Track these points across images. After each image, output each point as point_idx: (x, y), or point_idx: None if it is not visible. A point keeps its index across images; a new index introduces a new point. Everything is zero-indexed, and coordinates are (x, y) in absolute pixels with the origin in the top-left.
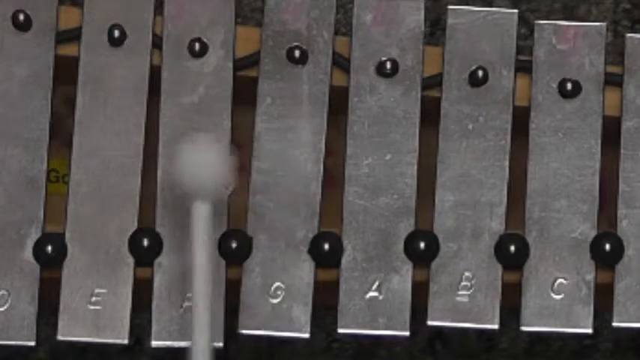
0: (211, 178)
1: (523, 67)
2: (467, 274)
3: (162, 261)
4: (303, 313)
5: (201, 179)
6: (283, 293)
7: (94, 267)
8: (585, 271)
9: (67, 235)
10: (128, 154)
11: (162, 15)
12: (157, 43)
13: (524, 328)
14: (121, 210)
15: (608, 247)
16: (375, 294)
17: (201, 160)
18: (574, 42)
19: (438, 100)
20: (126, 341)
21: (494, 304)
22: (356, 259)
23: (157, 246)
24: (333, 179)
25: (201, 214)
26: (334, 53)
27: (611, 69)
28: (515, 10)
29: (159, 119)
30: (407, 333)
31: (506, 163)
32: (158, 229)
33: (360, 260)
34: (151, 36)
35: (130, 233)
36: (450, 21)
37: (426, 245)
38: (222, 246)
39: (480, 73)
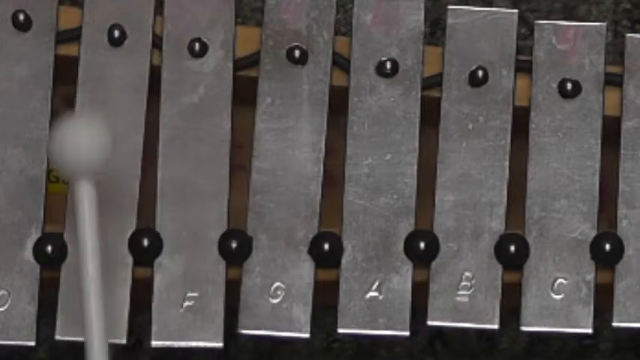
0: (88, 156)
1: (523, 67)
2: (467, 274)
3: (163, 261)
4: (303, 313)
5: (79, 157)
6: (283, 293)
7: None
8: (585, 271)
9: (67, 235)
10: (128, 154)
11: (162, 15)
12: (157, 43)
13: (524, 328)
14: (120, 210)
15: (608, 247)
16: (375, 294)
17: (78, 139)
18: (574, 42)
19: (438, 100)
20: (124, 341)
21: (494, 304)
22: (356, 259)
23: (157, 246)
24: (333, 179)
25: (83, 193)
26: (334, 53)
27: (611, 69)
28: (515, 10)
29: (159, 119)
30: (407, 333)
31: (506, 163)
32: (158, 229)
33: (360, 260)
34: (151, 36)
35: (130, 233)
36: (450, 21)
37: (426, 245)
38: (222, 246)
39: (480, 73)
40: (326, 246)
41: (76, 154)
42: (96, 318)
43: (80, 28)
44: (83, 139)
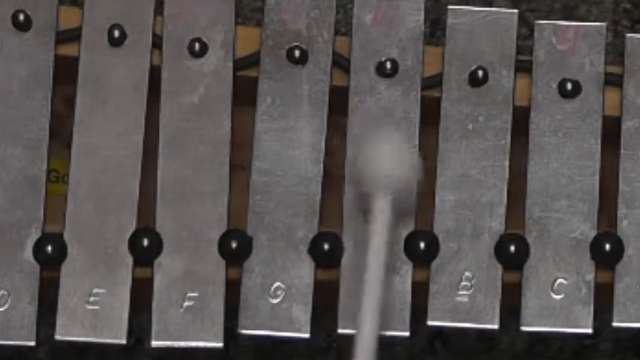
0: (394, 172)
1: (523, 67)
2: (467, 274)
3: (163, 261)
4: (303, 313)
5: (385, 173)
6: (283, 293)
7: (93, 267)
8: (585, 271)
9: (67, 235)
10: (128, 154)
11: (162, 15)
12: (157, 43)
13: (524, 328)
14: (120, 210)
15: (608, 247)
16: None
17: (386, 155)
18: (574, 42)
19: (438, 100)
20: (124, 341)
21: (494, 304)
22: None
23: (157, 246)
24: (333, 179)
25: (382, 209)
26: (334, 53)
27: (611, 69)
28: (515, 10)
29: (159, 119)
30: (407, 333)
31: (506, 163)
32: (158, 229)
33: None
34: (151, 36)
35: (130, 233)
36: (450, 21)
37: (426, 245)
38: (222, 246)
39: (480, 73)
40: (326, 246)
41: (381, 167)
42: (372, 321)
43: (80, 28)
44: (392, 153)
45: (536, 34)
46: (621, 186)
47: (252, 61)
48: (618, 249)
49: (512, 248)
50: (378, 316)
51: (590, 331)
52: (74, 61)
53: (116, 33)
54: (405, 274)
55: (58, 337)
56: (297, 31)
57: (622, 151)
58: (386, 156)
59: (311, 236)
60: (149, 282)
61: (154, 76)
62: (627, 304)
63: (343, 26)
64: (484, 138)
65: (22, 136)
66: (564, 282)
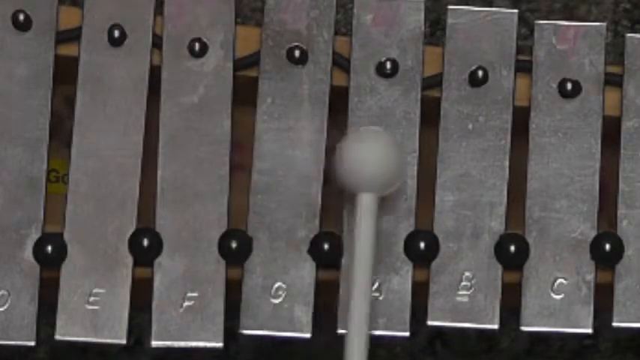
0: (378, 170)
1: (523, 67)
2: (467, 274)
3: (162, 261)
4: (304, 313)
5: (369, 171)
6: (284, 293)
7: (93, 267)
8: (585, 271)
9: (67, 235)
10: (128, 154)
11: (162, 15)
12: (157, 43)
13: (524, 328)
14: (120, 210)
15: (608, 247)
16: (375, 294)
17: (369, 153)
18: (574, 42)
19: (438, 100)
20: (124, 341)
21: (494, 304)
22: None
23: (157, 246)
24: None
25: (367, 206)
26: (334, 53)
27: (611, 69)
28: (515, 10)
29: (159, 119)
30: (407, 333)
31: (506, 163)
32: (158, 229)
33: None
34: (151, 36)
35: (130, 233)
36: (450, 21)
37: (426, 245)
38: (222, 246)
39: (480, 73)
40: (326, 246)
41: (362, 166)
42: (361, 325)
43: (80, 28)
44: (371, 152)
45: (536, 34)
46: (621, 186)
47: (252, 61)
48: (618, 249)
49: (512, 248)
50: (367, 316)
51: (590, 331)
52: (74, 61)
53: (116, 33)
54: (405, 274)
55: (58, 337)
56: (297, 31)
57: (622, 151)
58: (371, 155)
59: (311, 236)
60: (149, 282)
61: (154, 76)
62: (627, 304)
63: (343, 26)
64: (484, 138)
65: (22, 136)
66: (564, 282)
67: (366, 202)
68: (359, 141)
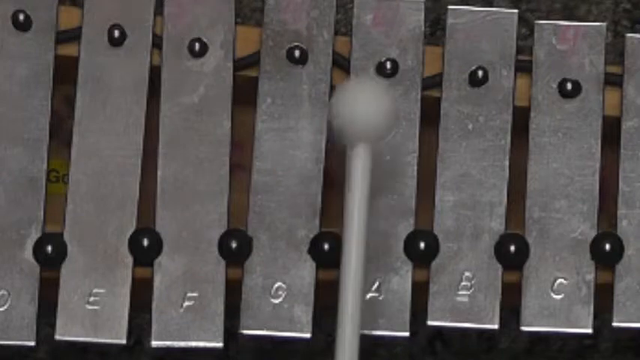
0: (372, 119)
1: (523, 67)
2: (467, 274)
3: (162, 261)
4: (304, 313)
5: (362, 120)
6: (284, 293)
7: (93, 267)
8: (585, 271)
9: (67, 235)
10: (128, 154)
11: (162, 15)
12: (157, 43)
13: (524, 328)
14: (120, 210)
15: (608, 247)
16: (375, 294)
17: (363, 102)
18: (574, 42)
19: (438, 100)
20: (124, 341)
21: (494, 304)
22: None
23: (156, 246)
24: (333, 179)
25: (361, 156)
26: (334, 53)
27: (611, 69)
28: (515, 10)
29: (159, 119)
30: (407, 333)
31: (507, 163)
32: (158, 229)
33: None
34: (151, 36)
35: (130, 233)
36: (450, 21)
37: (426, 245)
38: (222, 246)
39: (480, 73)
40: (326, 246)
41: (356, 117)
42: (355, 288)
43: (80, 28)
44: (364, 103)
45: (536, 34)
46: (621, 186)
47: (252, 61)
48: (618, 249)
49: (512, 248)
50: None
51: (590, 331)
52: (74, 61)
53: (116, 33)
54: (405, 274)
55: (58, 337)
56: (297, 31)
57: (622, 151)
58: (363, 105)
59: (311, 236)
60: (149, 282)
61: (154, 76)
62: (627, 304)
63: (343, 26)
64: (484, 138)
65: (22, 136)
66: (564, 282)
67: (360, 153)
68: (352, 92)
